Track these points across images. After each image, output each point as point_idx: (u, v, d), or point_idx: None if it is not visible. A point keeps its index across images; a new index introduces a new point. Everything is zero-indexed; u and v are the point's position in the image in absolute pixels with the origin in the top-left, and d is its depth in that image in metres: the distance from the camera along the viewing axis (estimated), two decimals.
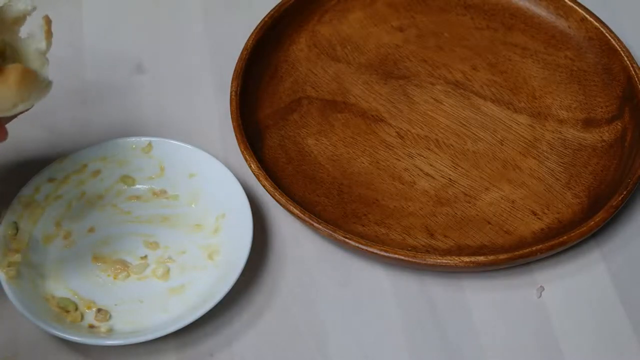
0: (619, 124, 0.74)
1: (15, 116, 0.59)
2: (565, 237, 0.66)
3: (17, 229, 0.66)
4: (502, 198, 0.71)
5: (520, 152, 0.73)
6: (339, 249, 0.69)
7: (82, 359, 0.63)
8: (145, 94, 0.78)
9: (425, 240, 0.68)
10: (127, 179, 0.71)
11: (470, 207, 0.70)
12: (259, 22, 0.78)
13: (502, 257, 0.65)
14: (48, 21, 0.57)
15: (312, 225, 0.67)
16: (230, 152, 0.73)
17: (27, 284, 0.64)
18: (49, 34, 0.57)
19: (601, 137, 0.74)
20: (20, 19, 0.57)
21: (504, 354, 0.65)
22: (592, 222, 0.67)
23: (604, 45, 0.78)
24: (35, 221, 0.67)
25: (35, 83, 0.55)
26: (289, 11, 0.79)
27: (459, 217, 0.70)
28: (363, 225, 0.69)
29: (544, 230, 0.69)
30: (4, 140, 0.60)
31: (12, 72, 0.54)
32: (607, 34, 0.78)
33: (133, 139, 0.70)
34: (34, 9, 0.57)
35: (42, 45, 0.56)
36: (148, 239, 0.68)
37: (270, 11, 0.78)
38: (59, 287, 0.65)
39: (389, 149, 0.74)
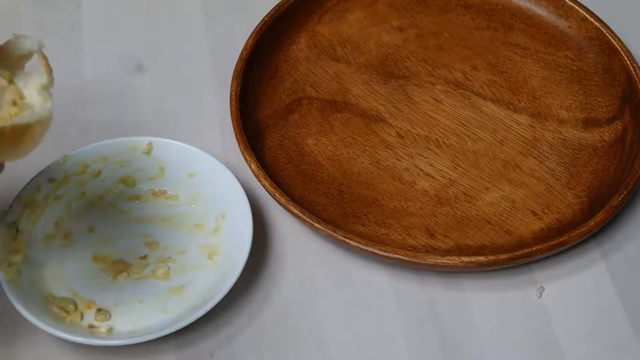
0: (619, 124, 0.74)
1: None
2: (565, 237, 0.66)
3: (17, 229, 0.66)
4: (502, 198, 0.71)
5: (520, 152, 0.73)
6: (339, 249, 0.69)
7: (82, 359, 0.64)
8: (145, 94, 0.78)
9: (425, 240, 0.68)
10: (127, 180, 0.71)
11: (470, 207, 0.70)
12: (259, 22, 0.78)
13: (502, 257, 0.65)
14: (44, 56, 0.57)
15: (312, 225, 0.67)
16: (230, 152, 0.73)
17: (27, 284, 0.64)
18: (48, 68, 0.57)
19: (601, 137, 0.74)
20: (26, 56, 0.57)
21: (504, 354, 0.65)
22: (592, 222, 0.67)
23: (604, 45, 0.78)
24: (35, 221, 0.67)
25: (28, 136, 0.54)
26: (289, 11, 0.79)
27: (459, 217, 0.70)
28: (363, 225, 0.69)
29: (544, 230, 0.69)
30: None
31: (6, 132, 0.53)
32: (607, 34, 0.78)
33: (133, 139, 0.70)
34: (41, 46, 0.57)
35: (44, 79, 0.56)
36: (148, 239, 0.68)
37: (270, 11, 0.78)
38: (59, 287, 0.65)
39: (389, 148, 0.74)
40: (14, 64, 0.57)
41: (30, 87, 0.56)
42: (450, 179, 0.72)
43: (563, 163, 0.73)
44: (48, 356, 0.64)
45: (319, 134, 0.75)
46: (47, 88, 0.56)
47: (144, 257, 0.67)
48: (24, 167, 0.71)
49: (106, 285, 0.66)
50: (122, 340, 0.62)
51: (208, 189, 0.69)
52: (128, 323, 0.64)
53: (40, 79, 0.56)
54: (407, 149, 0.74)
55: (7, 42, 0.57)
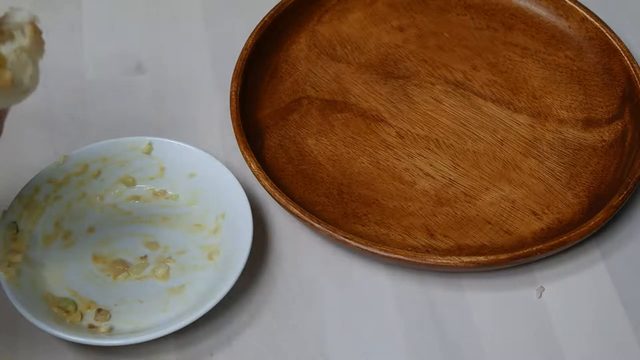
0: (619, 123, 0.74)
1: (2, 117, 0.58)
2: (565, 237, 0.66)
3: (17, 229, 0.66)
4: (502, 198, 0.71)
5: (520, 152, 0.73)
6: (339, 249, 0.69)
7: (82, 359, 0.64)
8: (145, 94, 0.78)
9: (425, 240, 0.68)
10: (127, 179, 0.71)
11: (470, 207, 0.70)
12: (259, 22, 0.78)
13: (502, 257, 0.65)
14: (33, 25, 0.56)
15: (312, 225, 0.67)
16: (230, 152, 0.73)
17: (27, 284, 0.64)
18: (35, 34, 0.56)
19: (601, 137, 0.74)
20: (18, 29, 0.57)
21: (504, 354, 0.65)
22: (592, 222, 0.67)
23: (604, 45, 0.78)
24: (35, 221, 0.67)
25: (6, 85, 0.53)
26: (289, 11, 0.79)
27: (459, 217, 0.70)
28: (363, 225, 0.69)
29: (544, 230, 0.69)
30: None
31: None
32: (607, 34, 0.78)
33: (133, 139, 0.70)
34: (33, 19, 0.56)
35: (24, 42, 0.55)
36: (148, 239, 0.68)
37: (270, 11, 0.78)
38: (59, 287, 0.65)
39: (389, 149, 0.74)
40: (7, 38, 0.56)
41: (10, 50, 0.55)
42: (450, 179, 0.72)
43: (563, 163, 0.73)
44: (48, 356, 0.64)
45: (319, 134, 0.75)
46: (29, 52, 0.55)
47: (144, 257, 0.67)
48: (24, 167, 0.72)
49: (106, 285, 0.66)
50: (122, 340, 0.62)
51: (208, 189, 0.69)
52: (128, 323, 0.64)
53: (21, 41, 0.55)
54: (407, 149, 0.74)
55: (3, 16, 0.56)
